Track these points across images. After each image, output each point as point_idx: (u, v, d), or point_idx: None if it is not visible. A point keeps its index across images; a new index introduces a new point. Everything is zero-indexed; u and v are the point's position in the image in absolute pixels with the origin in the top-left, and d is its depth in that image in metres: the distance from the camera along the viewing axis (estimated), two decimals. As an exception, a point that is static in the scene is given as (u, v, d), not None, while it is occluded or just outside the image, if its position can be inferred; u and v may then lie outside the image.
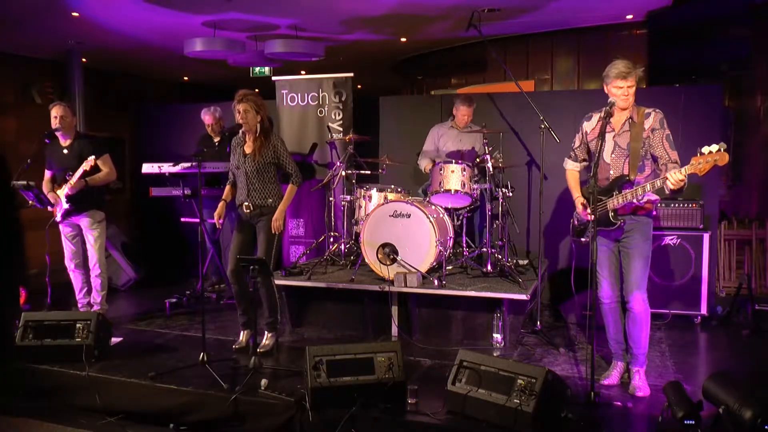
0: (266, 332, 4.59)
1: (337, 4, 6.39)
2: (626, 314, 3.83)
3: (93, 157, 5.06)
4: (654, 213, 3.96)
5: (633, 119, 3.71)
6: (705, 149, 3.28)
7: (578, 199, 3.92)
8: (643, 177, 3.70)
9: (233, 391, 3.68)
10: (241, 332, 4.64)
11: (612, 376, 3.96)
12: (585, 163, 4.04)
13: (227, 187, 4.64)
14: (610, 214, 3.69)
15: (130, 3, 6.41)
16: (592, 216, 3.61)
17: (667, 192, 3.50)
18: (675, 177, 3.37)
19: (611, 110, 3.68)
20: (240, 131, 4.45)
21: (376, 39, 8.25)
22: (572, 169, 4.06)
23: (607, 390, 3.79)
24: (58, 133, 5.21)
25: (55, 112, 5.18)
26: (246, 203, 4.44)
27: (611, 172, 3.77)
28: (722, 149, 3.24)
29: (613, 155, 3.77)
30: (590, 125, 3.89)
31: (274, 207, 4.45)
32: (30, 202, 5.24)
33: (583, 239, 3.89)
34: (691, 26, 6.81)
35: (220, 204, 4.64)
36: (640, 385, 3.76)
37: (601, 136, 3.68)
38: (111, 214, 5.47)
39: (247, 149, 4.47)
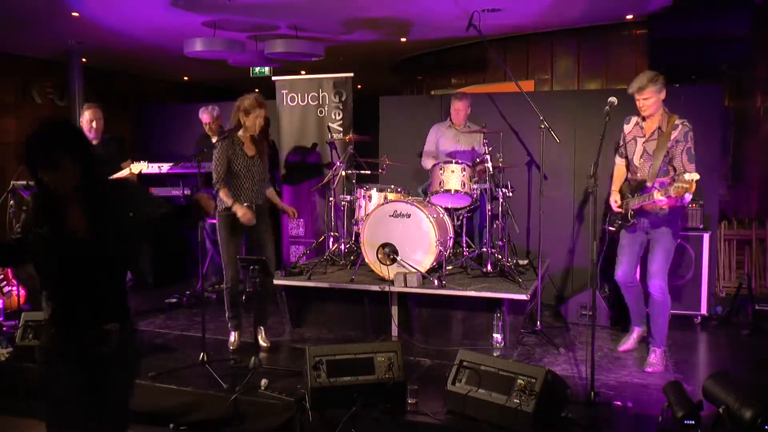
0: (263, 329, 4.65)
1: (337, 5, 6.40)
2: (648, 300, 4.26)
3: (138, 166, 5.21)
4: (681, 211, 4.25)
5: (661, 128, 4.04)
6: (686, 176, 3.64)
7: (613, 193, 4.32)
8: (668, 179, 4.00)
9: (233, 391, 3.68)
10: (233, 333, 4.65)
11: (628, 343, 4.53)
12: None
13: (226, 190, 4.39)
14: (630, 213, 4.10)
15: (131, 2, 6.42)
16: (620, 210, 4.15)
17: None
18: (660, 199, 3.81)
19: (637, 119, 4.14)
20: (232, 134, 4.40)
21: (376, 39, 8.26)
22: (619, 164, 4.39)
23: (607, 390, 3.79)
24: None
25: (89, 116, 5.30)
26: (247, 204, 4.41)
27: (638, 174, 4.14)
28: (694, 180, 3.60)
29: (641, 159, 4.13)
30: (628, 128, 4.27)
31: (266, 206, 4.61)
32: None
33: (611, 228, 4.31)
34: (691, 26, 6.81)
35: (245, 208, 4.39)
36: (655, 363, 4.14)
37: (623, 141, 4.14)
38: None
39: (250, 151, 4.45)
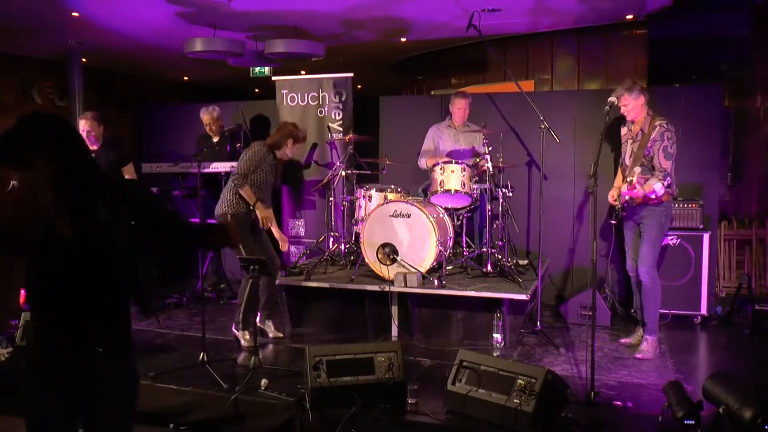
0: (271, 322, 4.90)
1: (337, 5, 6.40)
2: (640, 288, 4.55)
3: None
4: (663, 202, 4.37)
5: (643, 130, 4.40)
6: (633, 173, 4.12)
7: (613, 189, 4.62)
8: (644, 178, 4.24)
9: (233, 391, 3.68)
10: (247, 332, 4.64)
11: (632, 338, 4.74)
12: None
13: (249, 189, 4.67)
14: (618, 206, 4.46)
15: (131, 2, 6.42)
16: (616, 203, 4.49)
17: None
18: (625, 192, 4.19)
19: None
20: (273, 156, 4.75)
21: (376, 39, 8.26)
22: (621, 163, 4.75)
23: (607, 390, 3.80)
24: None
25: (83, 127, 5.37)
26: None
27: (627, 173, 4.46)
28: (633, 179, 4.06)
29: (630, 159, 4.48)
30: (623, 131, 4.67)
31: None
32: None
33: (612, 221, 4.60)
34: (691, 26, 6.81)
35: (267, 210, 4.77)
36: (646, 350, 4.43)
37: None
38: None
39: (274, 170, 4.83)
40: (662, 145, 4.30)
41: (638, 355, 4.40)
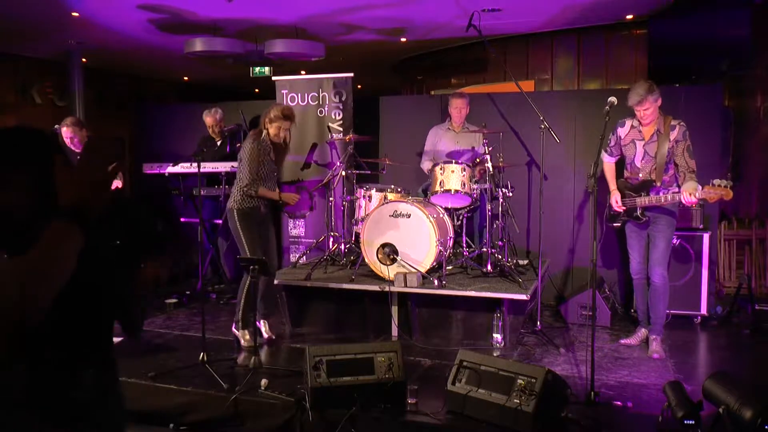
0: (267, 322, 4.85)
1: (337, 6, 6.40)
2: (649, 287, 4.52)
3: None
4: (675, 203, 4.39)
5: (660, 131, 4.30)
6: (716, 181, 3.95)
7: (614, 192, 4.51)
8: (667, 177, 4.33)
9: (233, 391, 3.68)
10: (247, 331, 4.63)
11: (632, 339, 4.71)
12: (619, 157, 4.61)
13: (263, 188, 4.57)
14: (639, 211, 4.36)
15: (131, 2, 6.42)
16: (622, 209, 4.39)
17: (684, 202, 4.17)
18: (689, 199, 4.05)
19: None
20: (267, 140, 4.60)
21: (376, 39, 8.26)
22: (608, 162, 4.64)
23: (607, 390, 3.80)
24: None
25: (65, 134, 5.37)
26: (265, 203, 4.68)
27: (640, 175, 4.39)
28: (729, 186, 3.90)
29: (643, 161, 4.37)
30: (624, 131, 4.48)
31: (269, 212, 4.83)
32: None
33: (615, 224, 4.56)
34: (691, 26, 6.81)
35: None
36: (657, 350, 4.45)
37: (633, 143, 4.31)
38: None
39: (273, 156, 4.69)
40: (686, 144, 4.24)
41: (655, 356, 4.39)
